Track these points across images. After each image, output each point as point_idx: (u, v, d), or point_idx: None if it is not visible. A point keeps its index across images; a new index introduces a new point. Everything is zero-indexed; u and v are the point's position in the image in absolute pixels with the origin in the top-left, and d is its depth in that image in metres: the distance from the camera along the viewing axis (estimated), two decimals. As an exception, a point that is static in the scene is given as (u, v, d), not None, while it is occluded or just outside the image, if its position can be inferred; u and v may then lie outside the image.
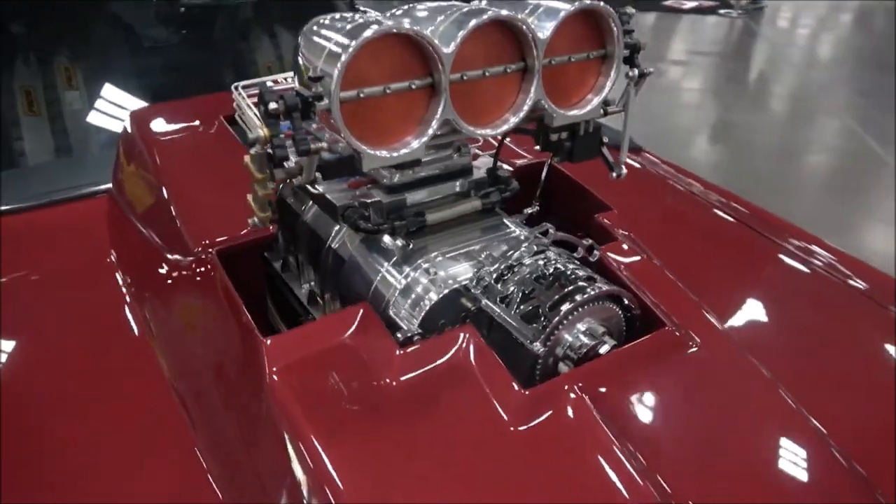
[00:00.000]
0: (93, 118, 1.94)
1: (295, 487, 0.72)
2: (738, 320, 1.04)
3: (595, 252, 0.92)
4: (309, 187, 0.92)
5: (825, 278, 1.18)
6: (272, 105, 0.69)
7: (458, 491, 0.71)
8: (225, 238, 0.94)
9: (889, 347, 1.04)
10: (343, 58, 0.68)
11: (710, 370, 0.88)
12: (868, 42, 7.41)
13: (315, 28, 0.78)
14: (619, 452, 0.73)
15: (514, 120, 0.83)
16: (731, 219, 1.34)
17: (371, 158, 0.75)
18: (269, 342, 0.79)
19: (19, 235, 1.17)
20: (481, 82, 0.80)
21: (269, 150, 0.73)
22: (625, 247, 1.01)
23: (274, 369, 0.77)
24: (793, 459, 0.80)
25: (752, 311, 1.10)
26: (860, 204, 3.83)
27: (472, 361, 0.79)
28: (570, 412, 0.76)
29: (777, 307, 1.12)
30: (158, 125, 1.25)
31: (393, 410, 0.76)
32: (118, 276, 1.12)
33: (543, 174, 1.05)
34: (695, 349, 0.87)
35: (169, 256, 1.03)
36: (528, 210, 1.05)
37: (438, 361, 0.80)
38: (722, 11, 7.94)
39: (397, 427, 0.75)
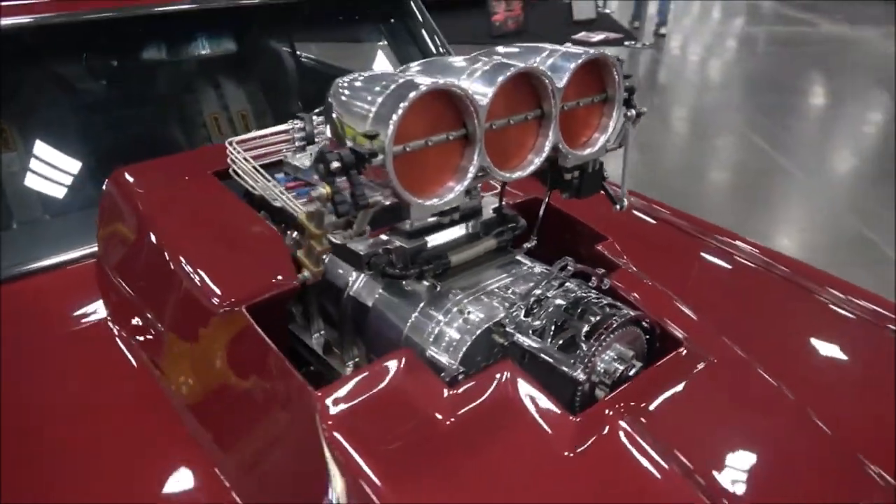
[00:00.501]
0: (31, 181, 1.86)
1: None
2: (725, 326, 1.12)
3: (606, 280, 0.98)
4: (332, 238, 0.94)
5: (770, 276, 1.31)
6: (334, 164, 0.71)
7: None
8: (251, 293, 0.94)
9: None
10: (395, 117, 0.72)
11: (728, 382, 0.94)
12: (756, 65, 8.02)
13: (349, 90, 0.81)
14: (666, 466, 0.78)
15: (537, 161, 0.88)
16: (692, 233, 1.44)
17: (419, 208, 0.78)
18: (320, 394, 0.80)
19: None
20: (507, 129, 0.86)
21: (333, 207, 0.74)
22: (629, 272, 1.08)
23: (329, 422, 0.78)
24: (809, 456, 0.88)
25: (731, 312, 1.19)
26: (769, 210, 4.13)
27: (520, 393, 0.83)
28: (620, 435, 0.80)
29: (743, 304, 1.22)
30: (146, 185, 1.23)
31: (452, 447, 0.79)
32: (119, 342, 1.09)
33: (542, 210, 1.11)
34: (712, 363, 0.94)
35: (182, 317, 1.02)
36: (527, 244, 1.11)
37: (486, 395, 0.83)
38: (627, 43, 8.45)
39: (459, 461, 0.78)
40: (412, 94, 0.73)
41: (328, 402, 0.79)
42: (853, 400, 1.03)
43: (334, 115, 0.81)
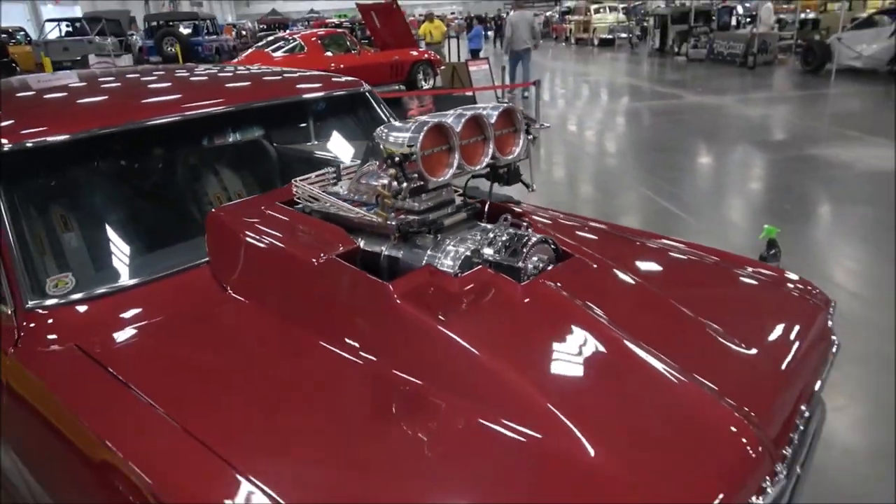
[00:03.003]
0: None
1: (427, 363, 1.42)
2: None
3: (528, 226, 1.77)
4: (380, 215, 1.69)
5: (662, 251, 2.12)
6: (397, 157, 1.48)
7: (512, 331, 1.48)
8: (336, 251, 1.66)
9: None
10: (422, 134, 1.50)
11: (609, 276, 1.73)
12: (641, 133, 9.40)
13: (387, 129, 1.59)
14: (587, 311, 1.54)
15: (485, 161, 1.68)
16: (603, 227, 2.26)
17: (433, 182, 1.56)
18: (391, 285, 1.52)
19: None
20: (469, 145, 1.65)
21: (397, 181, 1.51)
22: (540, 226, 1.88)
23: (398, 297, 1.50)
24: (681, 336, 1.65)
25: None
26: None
27: (492, 278, 1.59)
28: (546, 288, 1.56)
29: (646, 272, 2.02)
30: (233, 214, 1.92)
31: (463, 301, 1.52)
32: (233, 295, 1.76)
33: (490, 190, 1.91)
34: (592, 266, 1.73)
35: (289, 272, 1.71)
36: (481, 222, 1.89)
37: (475, 279, 1.58)
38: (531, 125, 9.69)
39: (469, 307, 1.51)
40: (428, 124, 1.52)
41: (396, 286, 1.52)
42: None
43: (381, 145, 1.59)
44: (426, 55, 13.59)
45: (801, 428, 1.49)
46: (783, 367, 1.58)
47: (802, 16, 19.08)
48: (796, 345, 1.69)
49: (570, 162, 8.06)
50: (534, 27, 11.57)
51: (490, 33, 22.60)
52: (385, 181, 1.54)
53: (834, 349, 1.79)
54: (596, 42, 25.77)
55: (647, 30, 23.66)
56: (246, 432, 1.31)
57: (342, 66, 11.56)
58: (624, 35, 24.93)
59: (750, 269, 2.03)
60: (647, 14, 24.33)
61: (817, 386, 1.65)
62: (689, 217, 5.46)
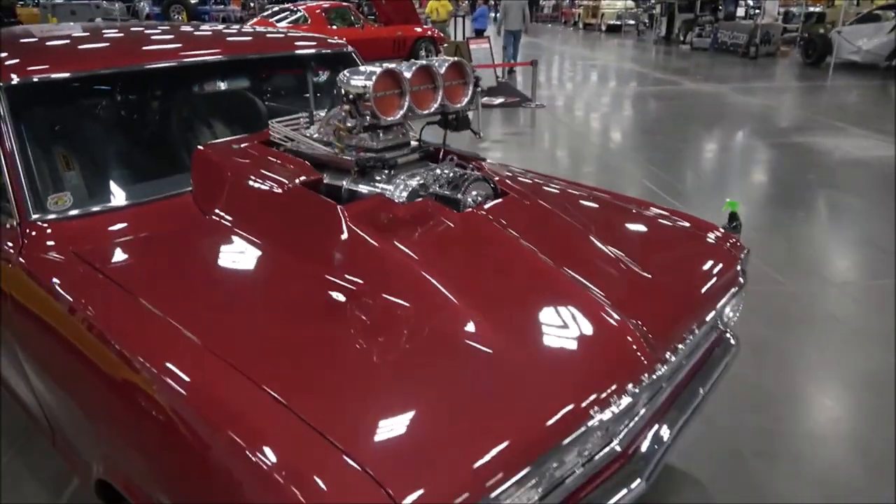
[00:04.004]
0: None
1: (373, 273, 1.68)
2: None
3: (472, 166, 2.01)
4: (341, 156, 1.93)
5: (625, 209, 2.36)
6: (351, 96, 1.72)
7: (444, 248, 1.72)
8: (301, 180, 1.90)
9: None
10: (374, 77, 1.74)
11: (538, 212, 1.97)
12: (634, 115, 9.59)
13: (350, 73, 1.83)
14: (512, 236, 1.78)
15: (434, 107, 1.92)
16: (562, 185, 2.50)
17: (385, 121, 1.80)
18: (343, 208, 1.76)
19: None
20: (419, 92, 1.89)
21: (351, 116, 1.75)
22: (485, 166, 2.12)
23: (348, 217, 1.74)
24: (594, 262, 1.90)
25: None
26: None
27: (435, 208, 1.83)
28: (482, 217, 1.81)
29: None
30: (219, 150, 2.17)
31: (410, 223, 1.77)
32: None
33: (443, 141, 2.15)
34: (527, 203, 1.97)
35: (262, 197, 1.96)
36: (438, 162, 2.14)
37: (422, 207, 1.83)
38: (524, 104, 9.90)
39: (415, 227, 1.76)
40: (380, 69, 1.76)
41: (348, 210, 1.76)
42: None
43: (342, 87, 1.82)
44: (429, 32, 13.74)
45: (688, 342, 1.73)
46: (679, 292, 1.84)
47: (810, 9, 19.13)
48: (697, 278, 1.94)
49: (558, 139, 8.27)
50: (525, 11, 12.69)
51: (494, 14, 22.67)
52: (343, 113, 1.79)
53: (736, 289, 2.03)
54: (603, 28, 25.81)
55: (655, 17, 23.68)
56: (207, 316, 1.58)
57: (344, 39, 11.68)
58: (632, 22, 24.97)
59: (676, 219, 2.27)
60: (656, 1, 24.32)
61: (711, 315, 1.88)
62: (663, 193, 5.70)
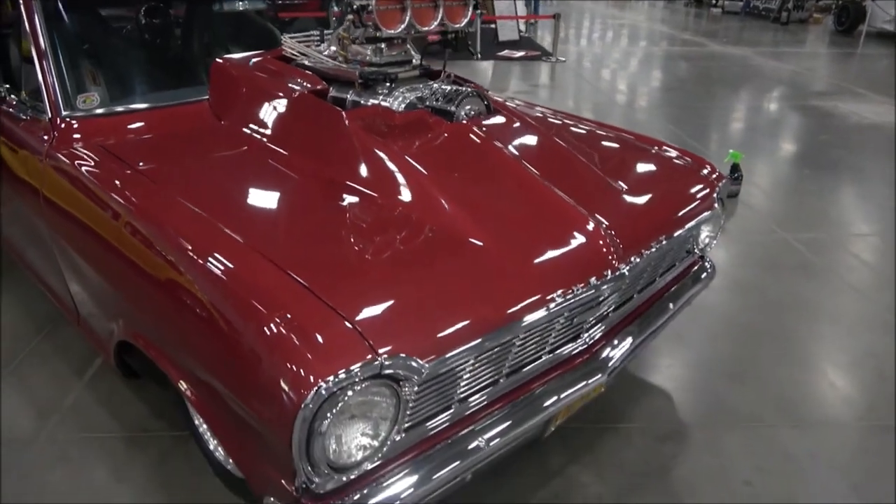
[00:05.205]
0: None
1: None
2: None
3: (469, 85, 2.15)
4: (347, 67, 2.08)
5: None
6: (355, 6, 1.87)
7: (434, 152, 1.88)
8: (307, 89, 2.06)
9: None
10: (376, -8, 1.89)
11: (526, 129, 2.11)
12: (654, 73, 9.56)
13: None
14: (497, 146, 1.93)
15: (434, 24, 2.06)
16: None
17: (385, 32, 1.94)
18: (344, 113, 1.92)
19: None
20: (420, 9, 2.02)
21: (356, 25, 1.90)
22: (482, 88, 2.26)
23: (348, 121, 1.90)
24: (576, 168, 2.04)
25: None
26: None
27: (433, 118, 1.98)
28: (471, 129, 1.96)
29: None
30: (236, 63, 2.33)
31: (404, 133, 1.92)
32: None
33: (444, 61, 2.29)
34: (517, 122, 2.11)
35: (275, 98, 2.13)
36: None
37: (417, 117, 1.98)
38: (544, 58, 9.88)
39: (410, 137, 1.91)
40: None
41: (349, 115, 1.92)
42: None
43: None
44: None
45: (654, 250, 1.88)
46: (651, 206, 1.98)
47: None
48: (671, 196, 2.08)
49: (576, 94, 8.30)
50: None
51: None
52: (346, 22, 1.94)
53: (709, 213, 2.16)
54: (635, -12, 25.24)
55: (688, -21, 23.10)
56: (217, 195, 1.77)
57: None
58: (664, -17, 24.38)
59: (665, 149, 2.40)
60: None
61: (681, 232, 2.01)
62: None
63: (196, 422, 1.88)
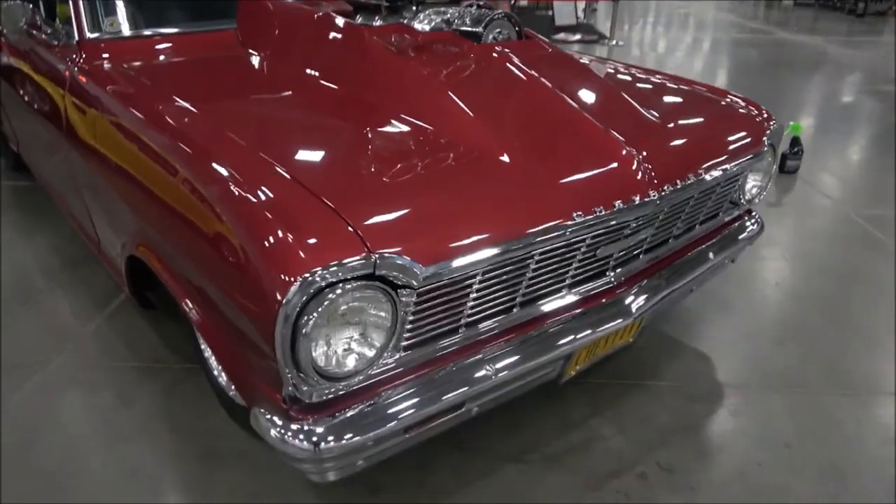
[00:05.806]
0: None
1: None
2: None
3: (501, 10, 2.04)
4: None
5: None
6: None
7: (458, 72, 1.78)
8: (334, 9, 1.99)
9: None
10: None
11: (558, 58, 1.99)
12: (716, 58, 9.19)
13: None
14: (525, 68, 1.81)
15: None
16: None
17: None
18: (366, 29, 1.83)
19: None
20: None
21: None
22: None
23: (371, 37, 1.81)
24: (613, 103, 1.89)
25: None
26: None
27: (458, 39, 1.88)
28: (496, 51, 1.84)
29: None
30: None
31: (427, 51, 1.83)
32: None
33: None
34: (549, 49, 1.99)
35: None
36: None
37: (441, 37, 1.88)
38: (601, 42, 9.62)
39: (433, 55, 1.82)
40: None
41: (371, 32, 1.83)
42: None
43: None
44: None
45: (690, 183, 1.72)
46: (691, 141, 1.83)
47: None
48: (715, 133, 1.92)
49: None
50: None
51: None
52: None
53: (756, 156, 1.98)
54: (703, -21, 24.45)
55: (759, -30, 22.25)
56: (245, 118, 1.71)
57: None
58: (734, -26, 23.54)
59: (706, 90, 2.23)
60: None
61: (720, 172, 1.84)
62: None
63: (202, 348, 1.83)
